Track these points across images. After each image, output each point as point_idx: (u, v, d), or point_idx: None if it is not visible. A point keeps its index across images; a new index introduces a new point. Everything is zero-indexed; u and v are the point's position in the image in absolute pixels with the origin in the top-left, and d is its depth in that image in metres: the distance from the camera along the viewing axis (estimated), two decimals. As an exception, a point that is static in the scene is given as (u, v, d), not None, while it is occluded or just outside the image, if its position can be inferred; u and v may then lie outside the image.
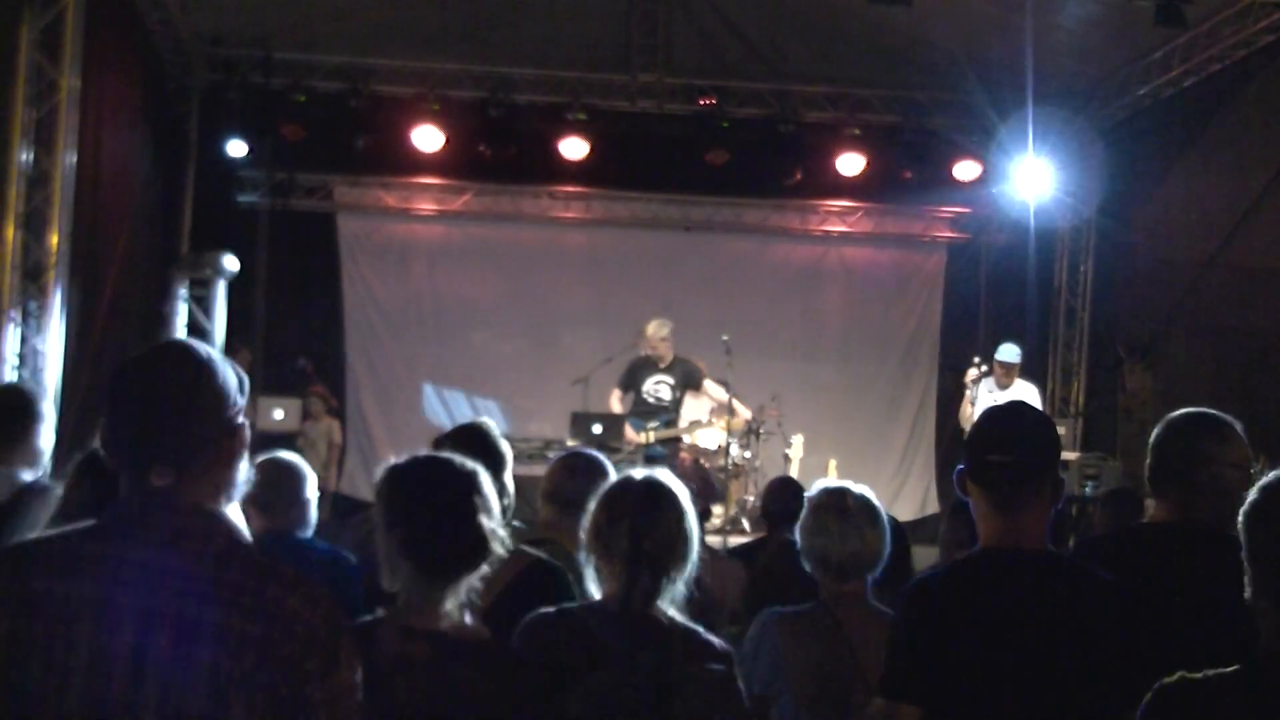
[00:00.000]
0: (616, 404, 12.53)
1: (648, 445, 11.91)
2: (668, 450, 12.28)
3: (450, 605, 3.03)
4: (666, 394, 12.28)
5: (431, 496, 3.10)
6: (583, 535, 3.48)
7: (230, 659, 2.29)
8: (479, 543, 3.08)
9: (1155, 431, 3.81)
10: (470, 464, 3.19)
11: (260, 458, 4.80)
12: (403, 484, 3.14)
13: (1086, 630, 3.07)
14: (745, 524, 12.54)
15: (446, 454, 3.23)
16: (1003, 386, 11.81)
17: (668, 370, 12.30)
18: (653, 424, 12.10)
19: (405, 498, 3.11)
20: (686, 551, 3.40)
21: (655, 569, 3.33)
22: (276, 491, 5.01)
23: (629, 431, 12.10)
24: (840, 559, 4.07)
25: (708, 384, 12.59)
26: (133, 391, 2.44)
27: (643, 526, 3.34)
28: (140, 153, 12.74)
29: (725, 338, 12.55)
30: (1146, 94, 13.53)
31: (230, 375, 2.51)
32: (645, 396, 12.31)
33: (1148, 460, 3.79)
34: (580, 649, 3.27)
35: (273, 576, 2.39)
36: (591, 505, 3.48)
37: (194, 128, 14.39)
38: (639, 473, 3.53)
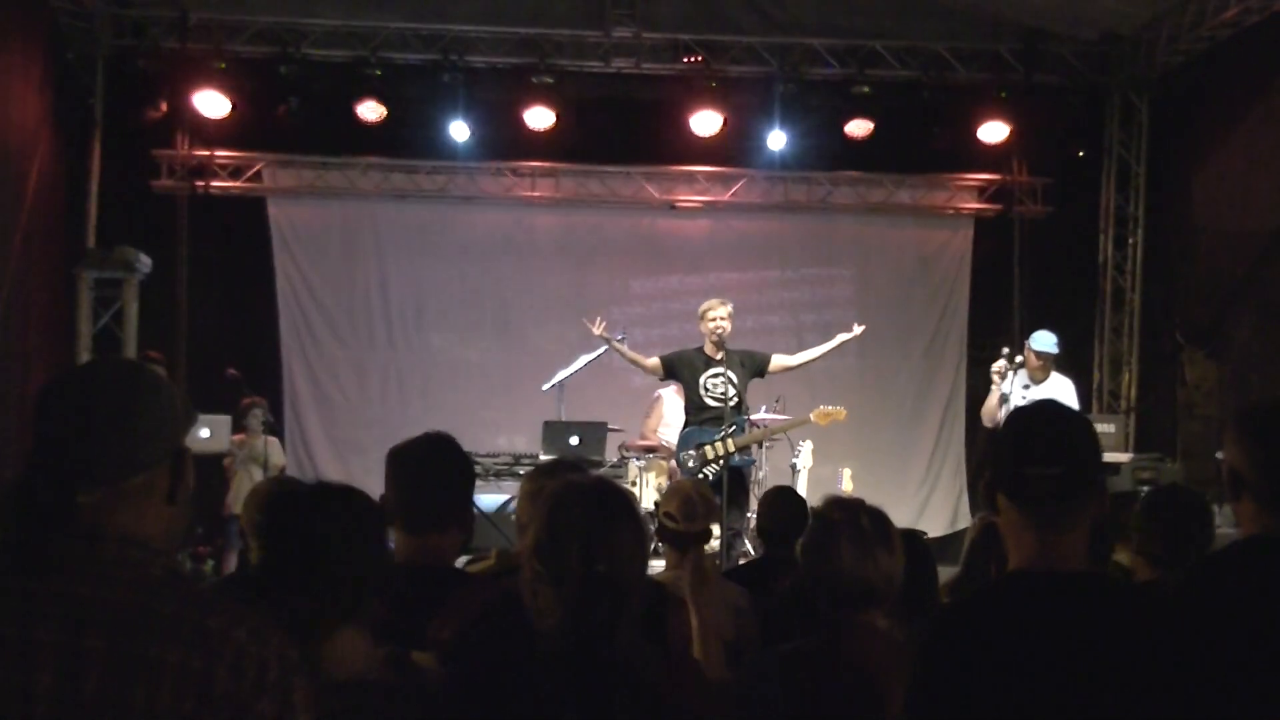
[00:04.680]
0: (637, 356, 11.88)
1: (731, 455, 11.35)
2: (752, 458, 11.93)
3: (354, 647, 3.01)
4: (729, 390, 11.55)
5: (313, 525, 3.07)
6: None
7: (169, 699, 2.30)
8: (363, 573, 3.06)
9: (1257, 426, 3.75)
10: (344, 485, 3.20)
11: None
12: (282, 512, 3.13)
13: (1141, 664, 2.99)
14: (748, 544, 12.48)
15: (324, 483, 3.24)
16: (1036, 381, 11.71)
17: (725, 363, 11.67)
18: (728, 430, 11.45)
19: (284, 527, 3.10)
20: (644, 570, 3.37)
21: (614, 594, 3.24)
22: None
23: (708, 449, 11.49)
24: (850, 584, 4.02)
25: (776, 357, 11.97)
26: (66, 402, 2.46)
27: (597, 544, 3.25)
28: (36, 133, 12.66)
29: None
30: (1202, 38, 13.52)
31: (176, 398, 2.56)
32: (705, 398, 11.70)
33: (1244, 461, 3.70)
34: (528, 695, 3.20)
35: (215, 609, 2.40)
36: (534, 520, 3.40)
37: (99, 102, 14.32)
38: (586, 478, 3.47)
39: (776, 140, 14.75)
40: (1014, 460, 3.17)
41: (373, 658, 3.03)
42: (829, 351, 11.93)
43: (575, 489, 3.40)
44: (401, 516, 4.07)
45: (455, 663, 3.32)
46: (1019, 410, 3.37)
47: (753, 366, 11.60)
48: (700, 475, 11.18)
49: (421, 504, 4.09)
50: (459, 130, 14.44)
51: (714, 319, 11.39)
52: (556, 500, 3.36)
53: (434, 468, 4.17)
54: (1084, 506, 3.12)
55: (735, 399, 11.32)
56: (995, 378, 11.80)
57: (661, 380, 12.13)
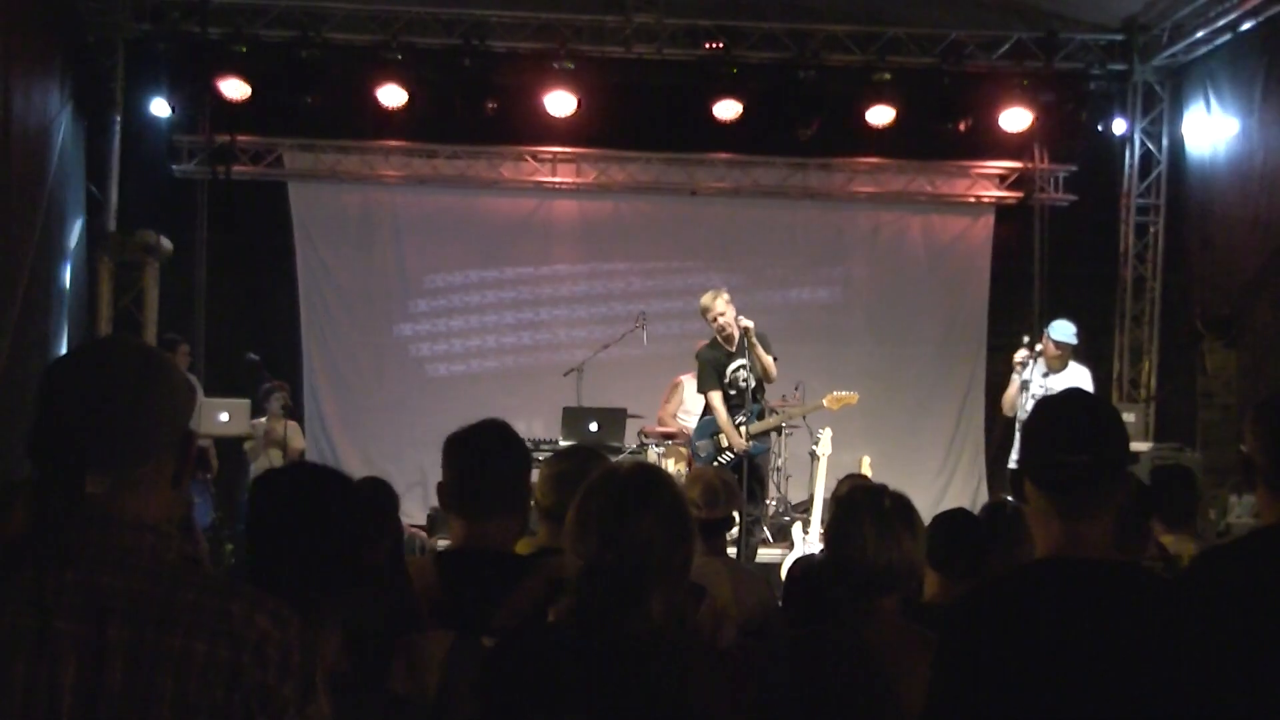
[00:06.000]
0: (721, 409, 11.39)
1: (753, 445, 11.23)
2: (765, 445, 11.82)
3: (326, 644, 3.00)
4: (750, 379, 11.21)
5: (291, 511, 3.05)
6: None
7: (197, 688, 2.32)
8: (343, 567, 3.05)
9: (1270, 415, 3.73)
10: (342, 474, 3.21)
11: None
12: (264, 497, 3.11)
13: (1166, 653, 3.00)
14: (766, 532, 12.46)
15: (316, 464, 3.23)
16: (1054, 370, 11.65)
17: (739, 350, 11.25)
18: (740, 419, 11.23)
19: (264, 513, 3.07)
20: (676, 558, 3.27)
21: (619, 581, 3.19)
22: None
23: (721, 437, 11.38)
24: (873, 570, 4.00)
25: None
26: (70, 387, 2.44)
27: (611, 530, 3.22)
28: (57, 117, 12.65)
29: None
30: (1223, 26, 13.46)
31: (181, 379, 2.55)
32: (728, 389, 11.38)
33: (1257, 449, 3.69)
34: (543, 678, 3.19)
35: (235, 595, 2.41)
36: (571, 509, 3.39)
37: (119, 87, 14.32)
38: (626, 462, 3.44)
39: (808, 126, 14.67)
40: (1043, 447, 3.18)
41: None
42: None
43: (606, 477, 3.38)
44: (459, 503, 4.09)
45: (503, 648, 3.31)
46: (1048, 398, 3.38)
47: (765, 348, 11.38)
48: (715, 464, 11.11)
49: (479, 490, 4.12)
50: (488, 104, 14.31)
51: (716, 317, 11.25)
52: (587, 488, 3.35)
53: (491, 454, 4.17)
54: (1111, 494, 3.12)
55: (754, 387, 11.22)
56: (1016, 367, 11.76)
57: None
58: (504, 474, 4.17)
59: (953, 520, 5.30)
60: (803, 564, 7.72)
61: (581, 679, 3.16)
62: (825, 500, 10.39)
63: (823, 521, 8.84)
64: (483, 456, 4.16)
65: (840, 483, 7.65)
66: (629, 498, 3.27)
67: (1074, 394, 3.49)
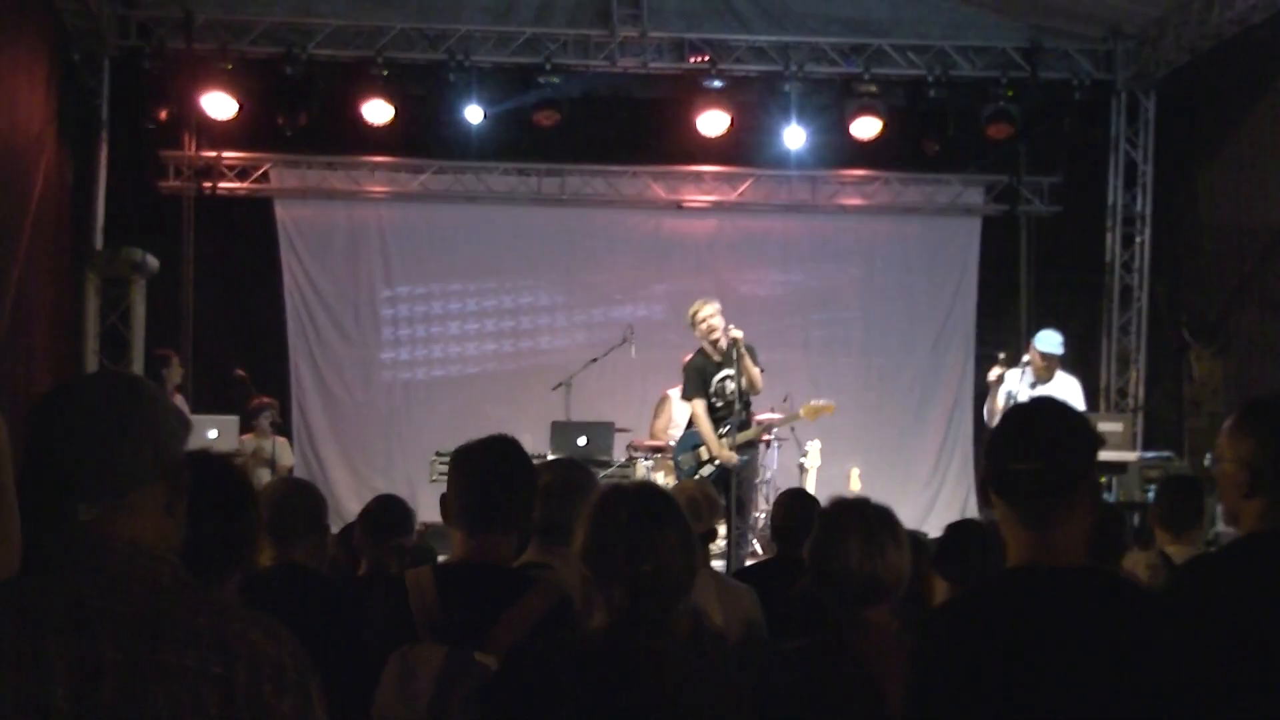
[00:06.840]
0: (704, 417, 11.27)
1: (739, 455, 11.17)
2: (749, 456, 11.74)
3: None
4: (733, 388, 11.08)
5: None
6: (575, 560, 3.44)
7: (192, 704, 2.32)
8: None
9: (1262, 419, 3.69)
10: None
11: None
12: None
13: (1138, 659, 3.00)
14: (756, 545, 12.46)
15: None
16: (1042, 380, 11.66)
17: (726, 360, 11.14)
18: (723, 430, 11.10)
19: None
20: (691, 570, 3.37)
21: (659, 594, 3.28)
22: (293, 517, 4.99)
23: (701, 450, 11.34)
24: (859, 581, 4.00)
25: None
26: (60, 417, 2.46)
27: (642, 545, 3.28)
28: (42, 134, 12.63)
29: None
30: (1207, 35, 13.47)
31: (171, 408, 2.57)
32: (713, 399, 11.30)
33: (1260, 454, 3.63)
34: (572, 690, 3.22)
35: (228, 613, 2.42)
36: (580, 524, 3.43)
37: (105, 104, 14.30)
38: (630, 481, 3.49)
39: (794, 138, 14.69)
40: (1000, 456, 3.17)
41: None
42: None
43: (619, 492, 3.45)
44: (463, 516, 4.10)
45: (512, 663, 3.37)
46: (1013, 407, 3.40)
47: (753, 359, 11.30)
48: (696, 477, 11.03)
49: (485, 505, 4.12)
50: (474, 114, 14.35)
51: (705, 320, 11.18)
52: (602, 504, 3.41)
53: (500, 469, 4.18)
54: (1072, 502, 3.11)
55: (737, 397, 11.13)
56: (991, 384, 11.81)
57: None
58: (510, 490, 4.17)
59: (963, 530, 5.31)
60: (750, 569, 7.77)
61: (606, 688, 3.20)
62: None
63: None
64: (491, 471, 4.17)
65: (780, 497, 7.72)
66: (654, 512, 3.36)
67: (1036, 402, 3.47)
